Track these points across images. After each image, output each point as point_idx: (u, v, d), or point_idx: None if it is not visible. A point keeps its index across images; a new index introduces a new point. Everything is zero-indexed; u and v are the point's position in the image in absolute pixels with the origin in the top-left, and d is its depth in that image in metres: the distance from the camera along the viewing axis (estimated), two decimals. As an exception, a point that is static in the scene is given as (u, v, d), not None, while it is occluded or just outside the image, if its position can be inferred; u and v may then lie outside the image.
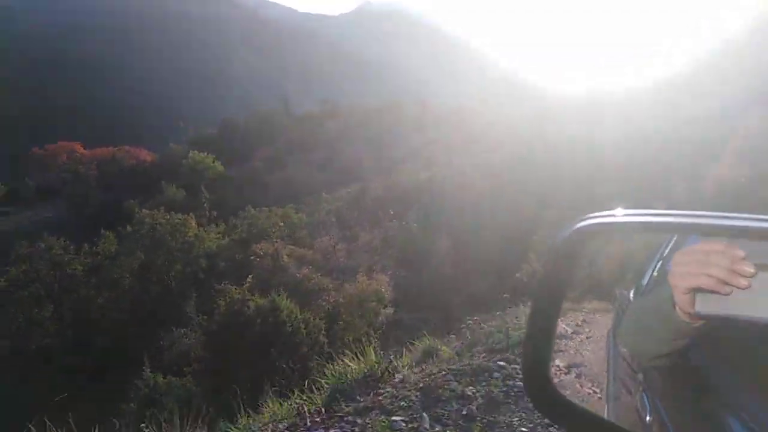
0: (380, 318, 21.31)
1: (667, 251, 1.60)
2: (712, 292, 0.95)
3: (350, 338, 17.03)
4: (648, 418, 1.40)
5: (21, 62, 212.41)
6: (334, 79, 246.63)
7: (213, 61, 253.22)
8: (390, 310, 22.38)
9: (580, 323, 2.48)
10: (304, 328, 16.18)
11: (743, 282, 0.92)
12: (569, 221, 1.17)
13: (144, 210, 31.80)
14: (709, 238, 0.99)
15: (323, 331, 17.35)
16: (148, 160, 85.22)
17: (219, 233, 31.94)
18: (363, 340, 8.40)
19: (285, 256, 26.94)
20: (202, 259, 29.17)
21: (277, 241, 28.16)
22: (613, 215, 1.13)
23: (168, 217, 29.79)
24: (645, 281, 1.79)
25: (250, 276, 24.35)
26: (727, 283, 0.94)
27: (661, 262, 1.68)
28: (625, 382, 1.69)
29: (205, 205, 32.90)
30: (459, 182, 37.52)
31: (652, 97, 47.55)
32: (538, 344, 1.23)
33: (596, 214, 1.14)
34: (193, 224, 30.14)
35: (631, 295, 1.92)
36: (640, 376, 1.55)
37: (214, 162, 69.77)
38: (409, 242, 31.79)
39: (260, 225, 30.52)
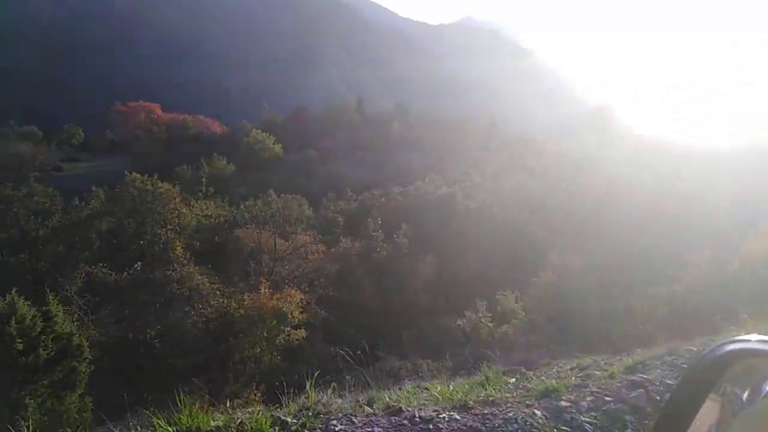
0: (278, 341, 18.05)
1: None
2: None
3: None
4: None
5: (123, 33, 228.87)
6: (421, 86, 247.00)
7: (306, 52, 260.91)
8: (301, 333, 18.84)
9: None
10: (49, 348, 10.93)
11: None
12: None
13: (134, 173, 31.32)
14: None
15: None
16: (218, 132, 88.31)
17: (207, 212, 30.43)
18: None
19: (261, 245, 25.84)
20: (174, 234, 27.55)
21: (260, 231, 26.96)
22: (750, 340, 1.05)
23: (153, 184, 29.10)
24: (766, 387, 1.56)
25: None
26: None
27: None
28: None
29: (203, 179, 31.70)
30: (468, 205, 35.58)
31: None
32: None
33: (737, 338, 1.08)
34: (175, 196, 29.09)
35: (746, 396, 1.70)
36: None
37: (274, 144, 70.99)
38: (378, 259, 29.28)
39: (256, 211, 29.61)
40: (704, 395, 1.18)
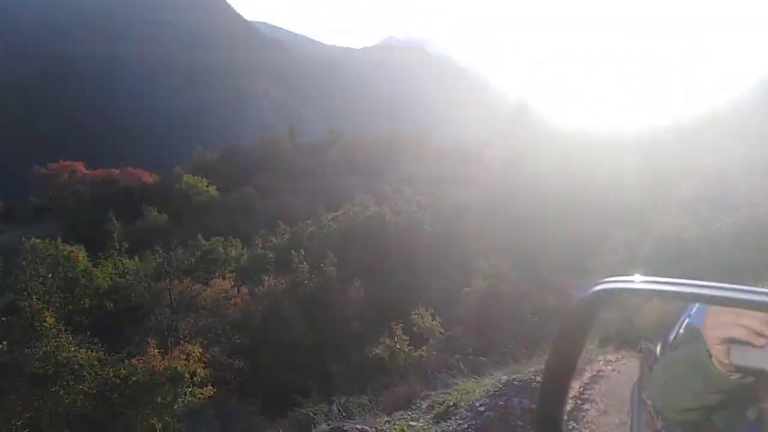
0: (176, 407, 16.03)
1: (695, 308, 1.67)
2: (747, 343, 0.98)
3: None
4: None
5: (45, 85, 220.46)
6: (354, 110, 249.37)
7: (235, 88, 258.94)
8: (208, 391, 17.10)
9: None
10: None
11: None
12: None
13: (33, 239, 29.53)
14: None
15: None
16: (149, 182, 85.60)
17: (113, 271, 28.76)
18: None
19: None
20: (87, 298, 25.98)
21: (172, 280, 25.69)
22: (632, 281, 1.15)
23: (56, 247, 27.54)
24: (672, 336, 1.84)
25: None
26: (761, 335, 0.96)
27: (688, 318, 1.74)
28: None
29: (114, 235, 29.34)
30: (398, 222, 35.50)
31: (664, 137, 44.91)
32: (552, 402, 1.22)
33: (615, 278, 1.17)
34: (81, 257, 27.62)
35: (658, 349, 1.97)
36: (664, 430, 1.54)
37: (207, 186, 69.43)
38: (306, 293, 28.33)
39: (177, 260, 28.51)
40: (583, 334, 1.22)
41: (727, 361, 1.06)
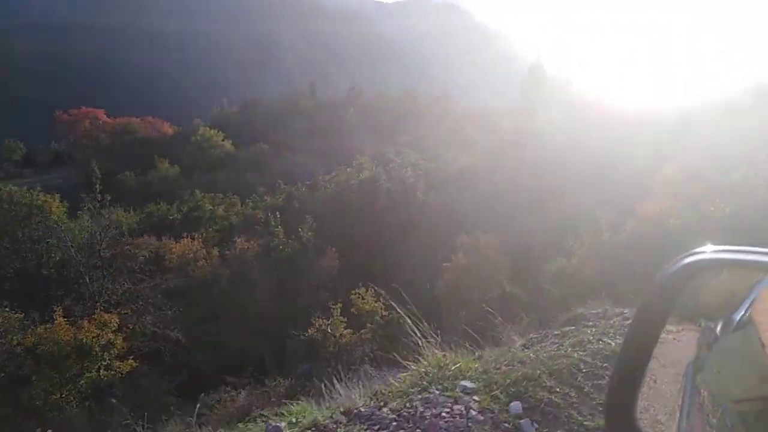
0: (83, 381, 14.79)
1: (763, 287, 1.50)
2: None
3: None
4: None
5: (80, 32, 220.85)
6: (380, 68, 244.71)
7: (260, 39, 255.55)
8: (128, 365, 15.62)
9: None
10: None
11: None
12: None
13: (10, 186, 29.14)
14: None
15: None
16: (168, 133, 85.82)
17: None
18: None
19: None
20: (57, 250, 24.01)
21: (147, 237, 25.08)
22: (705, 252, 1.10)
23: (28, 195, 27.07)
24: (737, 316, 1.62)
25: None
26: None
27: (755, 299, 1.53)
28: (698, 422, 1.63)
29: (97, 186, 28.15)
30: (391, 191, 34.49)
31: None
32: (626, 387, 1.16)
33: (702, 249, 1.12)
34: (55, 207, 26.91)
35: (719, 329, 1.78)
36: (717, 417, 1.44)
37: (223, 140, 69.23)
38: (278, 259, 27.28)
39: (160, 214, 28.12)
40: (666, 314, 1.16)
41: None
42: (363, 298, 19.29)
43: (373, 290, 18.38)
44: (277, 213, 30.39)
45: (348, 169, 40.97)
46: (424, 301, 19.40)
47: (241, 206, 37.66)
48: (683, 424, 1.78)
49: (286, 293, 25.00)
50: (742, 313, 1.67)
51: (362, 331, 17.86)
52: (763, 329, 0.97)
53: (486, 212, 26.75)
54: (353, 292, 19.76)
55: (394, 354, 7.50)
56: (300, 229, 28.64)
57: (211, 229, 28.53)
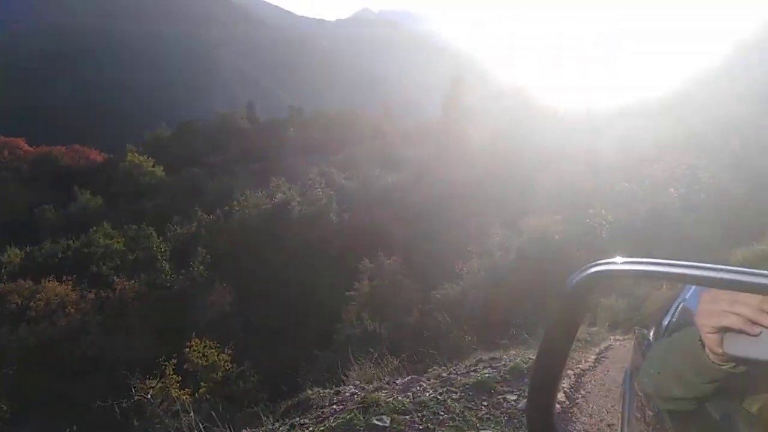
0: None
1: (689, 294, 1.71)
2: (741, 332, 0.95)
3: None
4: None
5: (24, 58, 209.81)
6: (326, 86, 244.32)
7: (201, 61, 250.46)
8: None
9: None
10: None
11: None
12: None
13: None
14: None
15: None
16: (98, 161, 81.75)
17: None
18: None
19: None
20: None
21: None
22: (615, 263, 1.17)
23: None
24: (666, 321, 1.86)
25: None
26: (755, 323, 0.93)
27: (682, 304, 1.78)
28: (638, 424, 1.74)
29: None
30: (305, 215, 33.24)
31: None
32: (545, 384, 1.22)
33: (605, 261, 1.18)
34: None
35: (651, 335, 1.99)
36: (655, 418, 1.56)
37: (153, 166, 66.22)
38: (164, 297, 24.81)
39: (45, 253, 25.91)
40: (577, 319, 1.22)
41: (720, 351, 1.01)
42: (198, 351, 16.94)
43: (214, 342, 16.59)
44: (165, 246, 28.26)
45: (259, 193, 39.34)
46: (320, 339, 17.90)
47: (158, 237, 35.20)
48: (625, 430, 1.92)
49: (171, 337, 22.63)
50: (670, 318, 1.85)
51: (200, 390, 15.52)
52: (705, 330, 1.02)
53: (402, 233, 25.81)
54: (188, 345, 17.41)
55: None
56: (191, 263, 26.70)
57: (105, 267, 26.17)
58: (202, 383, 16.11)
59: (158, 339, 21.45)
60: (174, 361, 15.78)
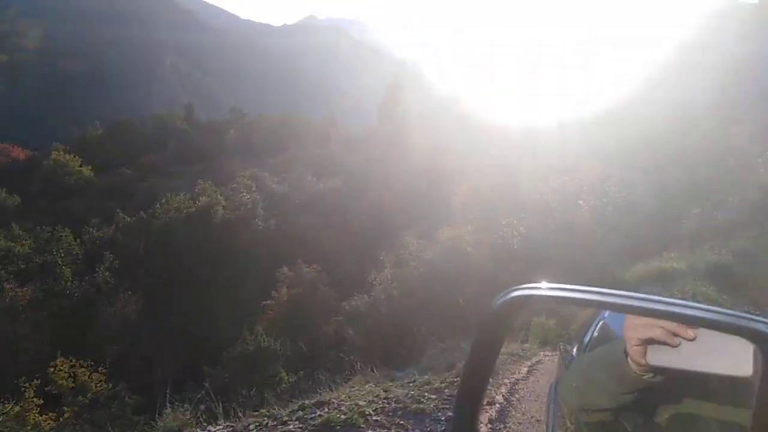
0: None
1: (608, 312, 1.77)
2: (663, 343, 1.06)
3: None
4: None
5: None
6: (269, 90, 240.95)
7: (140, 61, 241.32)
8: None
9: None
10: None
11: (690, 333, 1.02)
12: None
13: None
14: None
15: None
16: (20, 159, 76.71)
17: None
18: None
19: None
20: None
21: None
22: (540, 287, 1.22)
23: None
24: (587, 338, 1.95)
25: None
26: (676, 335, 1.04)
27: (602, 321, 1.87)
28: None
29: None
30: (228, 220, 32.23)
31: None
32: (468, 406, 1.25)
33: (527, 285, 1.23)
34: None
35: (574, 350, 2.08)
36: (575, 429, 1.62)
37: (81, 166, 62.73)
38: (63, 306, 23.09)
39: None
40: (500, 339, 1.26)
41: (643, 362, 1.10)
42: (61, 372, 15.34)
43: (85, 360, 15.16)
44: (78, 249, 26.48)
45: (180, 195, 37.85)
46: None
47: (75, 240, 32.82)
48: None
49: (68, 349, 20.89)
50: (591, 335, 1.92)
51: (65, 415, 13.74)
52: (631, 343, 1.10)
53: (329, 240, 25.35)
54: (52, 363, 15.73)
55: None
56: (97, 269, 25.11)
57: (3, 271, 24.08)
58: (66, 407, 14.43)
59: (51, 352, 18.88)
60: (36, 381, 14.31)
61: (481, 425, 5.44)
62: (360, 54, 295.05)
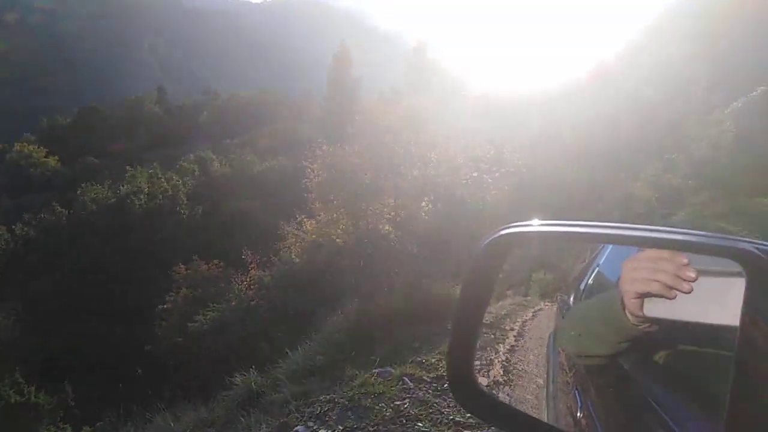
0: None
1: (602, 260, 1.83)
2: (660, 296, 1.05)
3: None
4: (579, 414, 1.54)
5: None
6: (251, 68, 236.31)
7: (118, 43, 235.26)
8: None
9: None
10: None
11: (687, 287, 1.02)
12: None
13: None
14: (620, 247, 1.23)
15: None
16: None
17: None
18: None
19: None
20: None
21: None
22: (531, 225, 1.21)
23: None
24: (582, 286, 2.00)
25: None
26: (672, 288, 1.03)
27: (597, 269, 1.88)
28: (562, 382, 1.84)
29: None
30: (149, 210, 29.95)
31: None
32: (463, 346, 1.24)
33: (516, 224, 1.21)
34: None
35: (571, 300, 2.15)
36: (574, 374, 1.69)
37: (46, 157, 60.58)
38: None
39: None
40: (491, 280, 1.22)
41: (640, 314, 1.11)
42: None
43: None
44: None
45: (99, 186, 35.82)
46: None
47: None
48: (551, 388, 2.05)
49: None
50: (586, 282, 1.92)
51: None
52: (629, 297, 1.10)
53: (258, 229, 23.50)
54: None
55: None
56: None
57: None
58: None
59: None
60: None
61: (509, 342, 7.15)
62: (345, 27, 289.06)
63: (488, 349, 6.60)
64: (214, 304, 14.99)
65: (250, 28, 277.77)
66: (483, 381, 5.52)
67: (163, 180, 35.98)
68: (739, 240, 0.92)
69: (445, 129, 16.23)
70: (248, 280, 15.06)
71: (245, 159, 37.72)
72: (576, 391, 1.60)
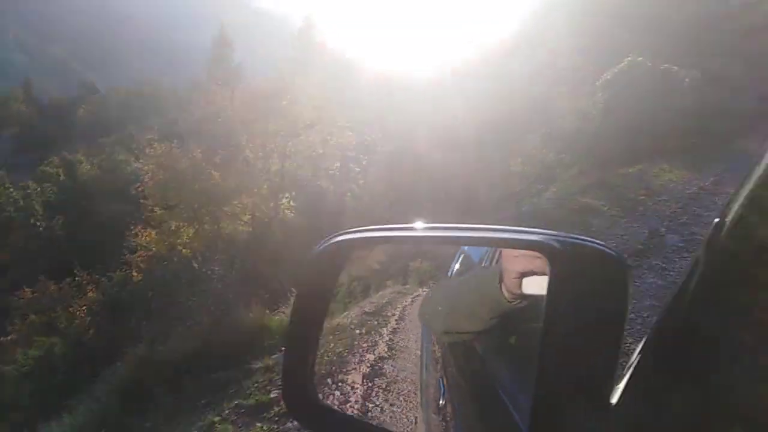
0: None
1: (467, 246, 1.94)
2: (542, 274, 1.08)
3: None
4: (441, 401, 1.57)
5: None
6: (137, 59, 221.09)
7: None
8: None
9: None
10: None
11: None
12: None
13: None
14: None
15: None
16: None
17: None
18: None
19: None
20: None
21: None
22: (359, 231, 1.22)
23: None
24: (451, 270, 2.16)
25: None
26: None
27: (464, 254, 2.03)
28: (433, 354, 1.88)
29: None
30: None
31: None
32: (300, 357, 1.20)
33: (350, 230, 1.20)
34: None
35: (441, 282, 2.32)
36: (439, 360, 1.72)
37: None
38: None
39: None
40: (326, 289, 1.22)
41: (518, 292, 1.14)
42: None
43: None
44: None
45: None
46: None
47: None
48: (424, 376, 2.11)
49: None
50: (454, 266, 2.11)
51: None
52: (510, 276, 1.14)
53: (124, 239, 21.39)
54: None
55: None
56: None
57: None
58: None
59: None
60: None
61: (391, 326, 7.40)
62: (239, 12, 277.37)
63: (372, 333, 7.17)
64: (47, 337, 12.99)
65: (131, 16, 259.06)
66: (370, 357, 6.04)
67: (11, 189, 32.04)
68: (548, 234, 0.95)
69: (324, 114, 15.21)
70: (81, 306, 13.17)
71: (116, 158, 34.44)
72: (440, 378, 1.62)
